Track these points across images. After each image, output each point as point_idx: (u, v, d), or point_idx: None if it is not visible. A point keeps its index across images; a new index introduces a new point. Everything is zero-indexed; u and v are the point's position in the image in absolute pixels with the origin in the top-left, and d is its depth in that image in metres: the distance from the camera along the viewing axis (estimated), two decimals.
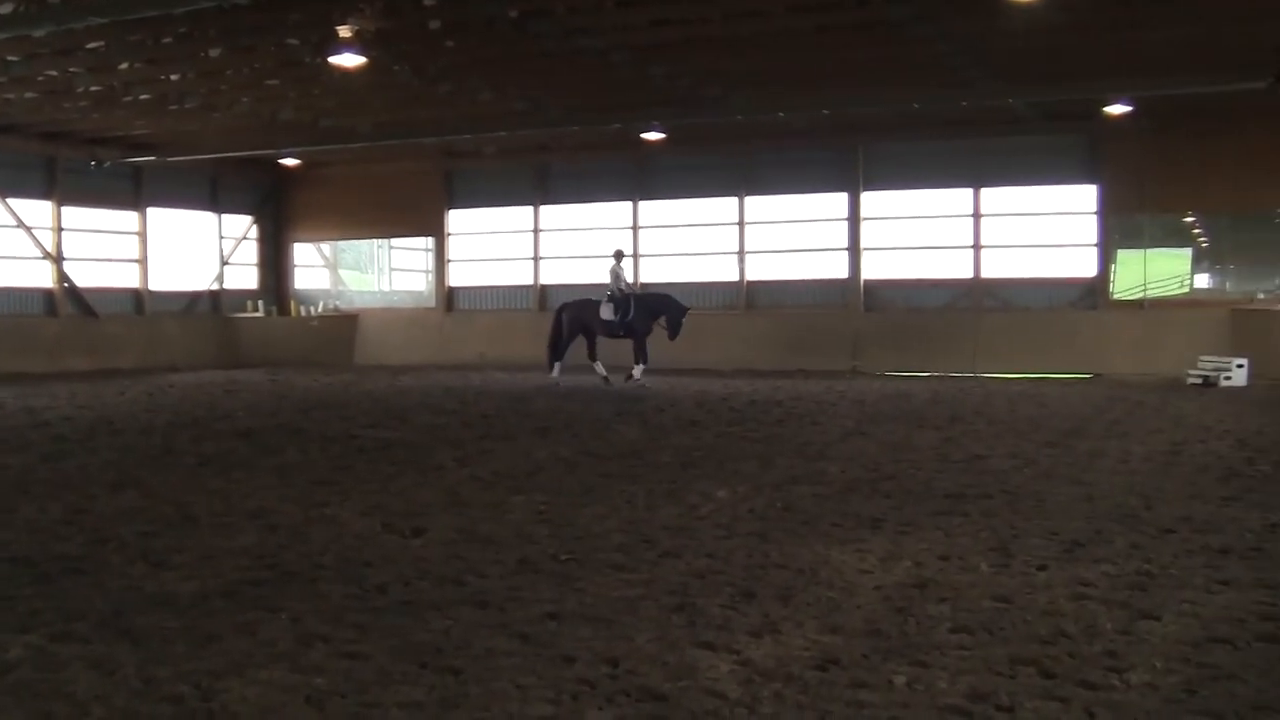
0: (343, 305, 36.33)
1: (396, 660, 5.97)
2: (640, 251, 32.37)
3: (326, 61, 19.33)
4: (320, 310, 35.58)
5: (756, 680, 5.63)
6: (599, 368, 24.58)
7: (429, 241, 35.65)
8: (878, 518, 9.60)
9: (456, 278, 34.82)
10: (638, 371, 24.07)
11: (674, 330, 24.09)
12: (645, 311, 24.35)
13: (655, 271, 32.19)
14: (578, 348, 24.84)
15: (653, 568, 7.93)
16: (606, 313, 24.35)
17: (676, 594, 7.20)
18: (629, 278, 25.47)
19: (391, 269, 39.81)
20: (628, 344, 24.26)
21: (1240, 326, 25.61)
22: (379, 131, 27.72)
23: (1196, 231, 33.19)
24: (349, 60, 18.89)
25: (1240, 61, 20.51)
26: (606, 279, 24.57)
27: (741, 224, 31.33)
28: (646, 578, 7.64)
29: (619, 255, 25.33)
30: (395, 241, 38.25)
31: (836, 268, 30.33)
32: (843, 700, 5.38)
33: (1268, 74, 20.72)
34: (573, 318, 24.74)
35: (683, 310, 24.19)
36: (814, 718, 5.20)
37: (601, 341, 24.73)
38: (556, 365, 24.72)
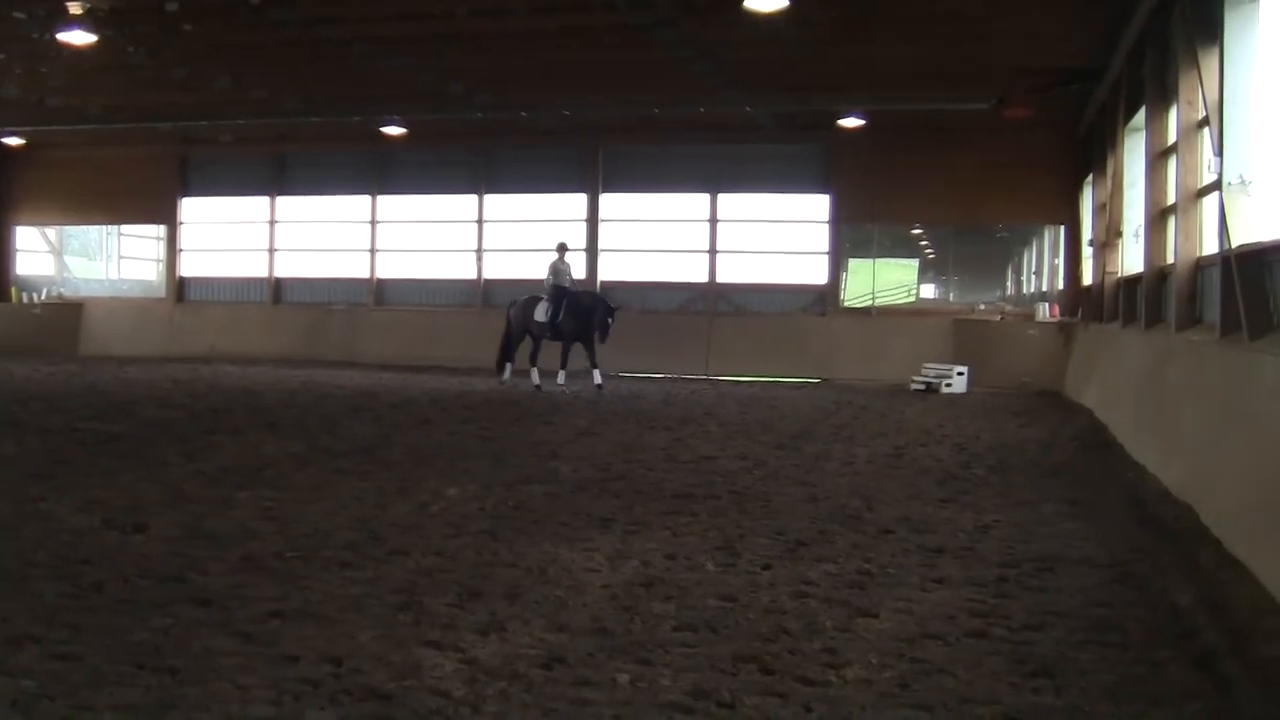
0: (68, 293, 35.03)
1: (111, 661, 5.77)
2: (377, 246, 32.06)
3: (55, 38, 18.61)
4: (44, 298, 34.26)
5: (481, 679, 5.62)
6: (534, 375, 22.96)
7: (161, 230, 34.63)
8: (607, 517, 9.67)
9: (188, 268, 33.88)
10: (561, 377, 22.56)
11: (603, 331, 22.23)
12: (577, 312, 22.52)
13: (391, 267, 31.96)
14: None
15: (380, 566, 7.85)
16: (540, 313, 22.70)
17: (403, 592, 7.14)
18: (574, 274, 23.70)
19: (120, 257, 38.47)
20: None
21: (961, 335, 26.60)
22: (110, 114, 26.77)
23: (924, 243, 34.51)
24: (79, 38, 18.24)
25: (967, 82, 21.36)
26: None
27: (480, 222, 31.22)
28: (373, 576, 7.56)
29: (562, 248, 23.61)
30: (125, 229, 36.95)
31: (574, 268, 30.32)
32: (567, 699, 5.40)
33: (992, 95, 21.66)
34: (515, 317, 23.26)
35: (609, 310, 22.41)
36: (538, 716, 5.21)
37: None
38: (507, 367, 23.42)
